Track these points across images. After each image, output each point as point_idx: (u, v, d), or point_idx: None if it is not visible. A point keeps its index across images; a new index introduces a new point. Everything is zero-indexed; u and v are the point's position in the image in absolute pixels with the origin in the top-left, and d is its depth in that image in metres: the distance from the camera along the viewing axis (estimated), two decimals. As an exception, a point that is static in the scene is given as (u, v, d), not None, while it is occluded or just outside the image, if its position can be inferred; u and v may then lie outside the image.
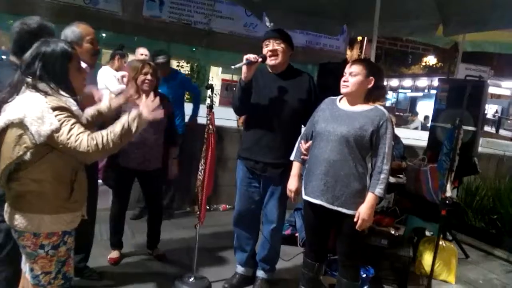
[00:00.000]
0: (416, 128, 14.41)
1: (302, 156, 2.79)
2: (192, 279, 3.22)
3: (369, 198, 2.49)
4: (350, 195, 2.50)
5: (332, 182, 2.51)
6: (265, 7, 4.94)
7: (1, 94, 1.87)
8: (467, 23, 4.34)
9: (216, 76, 17.65)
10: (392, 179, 4.34)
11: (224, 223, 4.31)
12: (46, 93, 1.82)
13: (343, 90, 2.59)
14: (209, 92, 3.12)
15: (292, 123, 2.99)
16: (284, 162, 2.94)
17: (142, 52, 5.14)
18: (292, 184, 2.83)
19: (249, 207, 3.16)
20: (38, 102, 1.78)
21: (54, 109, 1.78)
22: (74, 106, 1.89)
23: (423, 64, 31.53)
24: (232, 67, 2.90)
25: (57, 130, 1.76)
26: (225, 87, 15.70)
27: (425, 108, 21.32)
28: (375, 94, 2.58)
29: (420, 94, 27.75)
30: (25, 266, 2.00)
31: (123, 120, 1.93)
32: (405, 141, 5.56)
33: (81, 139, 1.79)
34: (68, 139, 1.77)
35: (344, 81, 2.58)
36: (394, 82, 28.92)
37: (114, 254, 3.48)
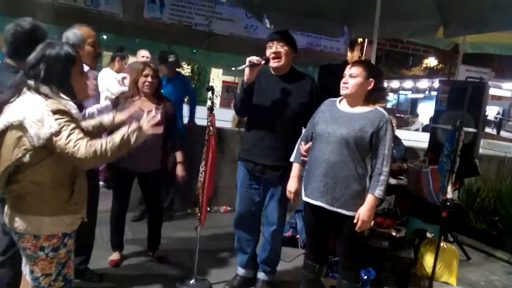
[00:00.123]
0: (417, 130, 14.40)
1: (301, 158, 2.79)
2: (193, 281, 3.21)
3: (369, 199, 2.49)
4: (349, 197, 2.50)
5: (332, 184, 2.51)
6: (266, 9, 4.94)
7: (2, 96, 1.87)
8: (468, 25, 4.33)
9: (216, 78, 17.66)
10: (393, 181, 4.34)
11: (224, 225, 4.30)
12: (46, 96, 1.82)
13: (343, 91, 2.59)
14: (209, 94, 3.12)
15: (292, 125, 2.99)
16: (283, 164, 2.93)
17: (143, 55, 5.16)
18: (291, 185, 2.82)
19: (250, 208, 3.16)
20: (38, 105, 1.78)
21: (54, 112, 1.78)
22: (74, 109, 1.88)
23: (424, 65, 31.53)
24: (235, 68, 2.90)
25: (57, 133, 1.76)
26: (225, 89, 15.70)
27: (426, 110, 21.32)
28: (375, 95, 2.58)
29: (421, 95, 27.77)
30: (25, 268, 2.00)
31: (123, 131, 1.93)
32: (406, 143, 5.55)
33: (79, 145, 1.78)
34: (67, 144, 1.77)
35: (344, 83, 2.58)
36: (395, 84, 28.93)
37: (115, 256, 3.48)
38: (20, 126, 1.78)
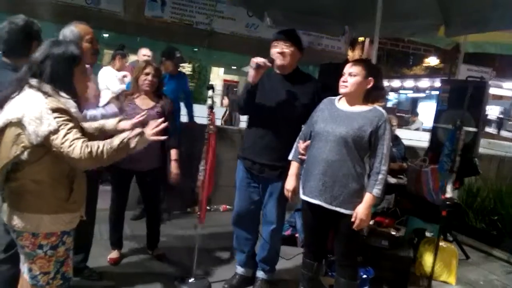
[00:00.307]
0: (417, 129, 14.37)
1: (299, 156, 2.79)
2: (192, 279, 3.22)
3: (367, 198, 2.50)
4: (348, 195, 2.51)
5: (330, 182, 2.52)
6: (267, 8, 4.94)
7: (4, 92, 1.87)
8: (469, 24, 4.32)
9: (217, 76, 17.67)
10: (393, 180, 4.35)
11: (224, 224, 4.30)
12: (46, 94, 1.81)
13: (342, 90, 2.59)
14: (210, 92, 3.12)
15: (293, 125, 2.97)
16: (281, 164, 2.92)
17: (144, 53, 5.15)
18: (289, 183, 2.83)
19: (248, 207, 3.15)
20: (38, 103, 1.78)
21: (54, 110, 1.77)
22: (73, 108, 1.88)
23: (425, 65, 31.48)
24: (243, 69, 2.88)
25: (55, 132, 1.76)
26: (226, 87, 15.71)
27: (427, 109, 21.28)
28: (374, 94, 2.58)
29: (422, 95, 27.73)
30: (23, 266, 2.00)
31: (124, 135, 1.93)
32: (406, 142, 5.56)
33: (75, 145, 1.77)
34: (62, 143, 1.76)
35: (343, 81, 2.58)
36: (395, 83, 28.88)
37: (114, 254, 3.48)
38: (19, 124, 1.78)
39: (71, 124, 1.81)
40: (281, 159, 2.92)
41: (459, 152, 3.55)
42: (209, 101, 3.14)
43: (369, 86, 2.56)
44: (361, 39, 22.93)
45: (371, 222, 3.73)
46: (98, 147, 1.82)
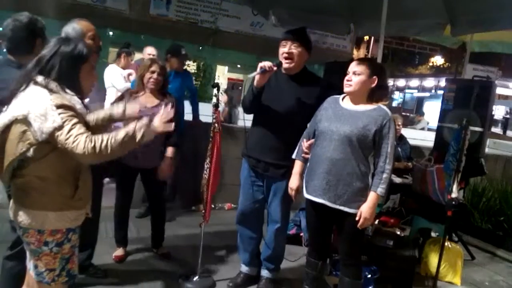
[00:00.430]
0: (422, 129, 14.34)
1: (303, 155, 2.78)
2: (197, 277, 3.22)
3: (371, 197, 2.49)
4: (352, 194, 2.50)
5: (334, 181, 2.51)
6: (272, 6, 4.93)
7: (11, 87, 1.87)
8: (475, 23, 4.31)
9: (222, 75, 17.67)
10: (398, 180, 4.33)
11: (228, 222, 4.29)
12: (51, 90, 1.82)
13: (346, 89, 2.59)
14: (215, 90, 3.12)
15: (298, 126, 2.94)
16: (286, 163, 2.91)
17: (149, 52, 5.15)
18: (293, 182, 2.83)
19: (253, 206, 3.15)
20: (43, 99, 1.78)
21: (58, 107, 1.77)
22: (78, 105, 1.88)
23: (430, 64, 31.39)
24: (249, 76, 2.87)
25: (59, 128, 1.75)
26: (231, 86, 15.71)
27: (432, 109, 21.21)
28: (378, 93, 2.58)
29: (427, 94, 27.63)
30: (29, 263, 2.00)
31: (130, 127, 1.91)
32: (411, 142, 5.54)
33: (78, 140, 1.77)
34: (67, 139, 1.76)
35: (348, 80, 2.57)
36: (401, 82, 28.81)
37: (119, 251, 3.49)
38: (25, 120, 1.78)
39: (75, 120, 1.81)
40: (285, 158, 2.91)
41: (464, 152, 3.53)
42: (214, 100, 3.14)
43: (373, 85, 2.55)
44: (366, 38, 22.91)
45: (376, 222, 3.73)
46: (102, 141, 1.81)
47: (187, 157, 4.69)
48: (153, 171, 3.37)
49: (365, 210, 2.48)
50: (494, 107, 5.76)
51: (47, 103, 1.77)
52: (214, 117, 3.09)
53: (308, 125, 2.86)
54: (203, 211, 3.23)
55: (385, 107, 2.57)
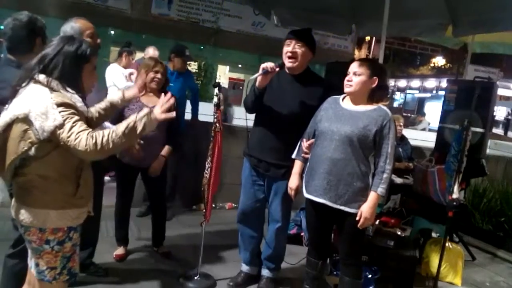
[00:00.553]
0: (423, 129, 14.32)
1: (303, 155, 2.78)
2: (197, 276, 3.22)
3: (372, 197, 2.50)
4: (353, 194, 2.51)
5: (335, 181, 2.52)
6: (273, 6, 4.93)
7: (14, 83, 1.87)
8: (477, 24, 4.30)
9: (223, 74, 17.67)
10: (399, 180, 4.33)
11: (229, 221, 4.31)
12: (52, 89, 1.82)
13: (346, 89, 2.59)
14: (216, 90, 3.12)
15: (299, 126, 2.91)
16: (287, 163, 2.91)
17: (152, 53, 5.15)
18: (292, 182, 2.83)
19: (254, 205, 3.15)
20: (43, 98, 1.78)
21: (59, 105, 1.77)
22: (79, 103, 1.88)
23: (432, 65, 31.37)
24: (251, 78, 2.87)
25: (60, 126, 1.76)
26: (232, 85, 15.70)
27: (433, 109, 21.20)
28: (378, 94, 2.58)
29: (428, 95, 27.62)
30: (30, 261, 2.01)
31: (130, 119, 1.90)
32: (412, 142, 5.53)
33: (80, 137, 1.76)
34: (68, 137, 1.76)
35: (348, 81, 2.57)
36: (402, 83, 28.82)
37: (120, 250, 3.49)
38: (26, 119, 1.78)
39: (76, 118, 1.81)
40: (286, 158, 2.91)
41: (466, 153, 3.53)
42: (215, 99, 3.14)
43: (373, 86, 2.55)
44: (367, 38, 22.90)
45: (377, 222, 3.73)
46: (103, 137, 1.80)
47: (187, 157, 4.70)
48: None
49: (365, 210, 2.48)
50: (495, 108, 5.76)
51: (47, 101, 1.77)
52: (215, 116, 3.10)
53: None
54: (204, 210, 3.23)
55: (385, 108, 2.57)
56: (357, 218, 2.49)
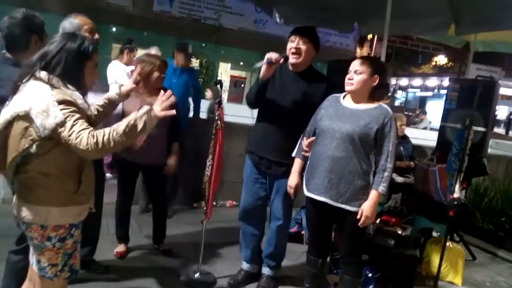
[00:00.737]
0: (425, 128, 14.30)
1: (303, 153, 2.78)
2: (198, 274, 3.22)
3: (373, 195, 2.50)
4: (353, 192, 2.50)
5: (336, 179, 2.51)
6: (275, 3, 4.92)
7: (15, 79, 1.87)
8: (480, 22, 4.28)
9: (225, 72, 17.66)
10: (400, 179, 4.33)
11: (230, 219, 4.31)
12: (52, 86, 1.82)
13: (347, 87, 2.58)
14: (218, 88, 3.11)
15: (301, 124, 2.90)
16: (288, 161, 2.91)
17: (154, 53, 5.14)
18: (292, 180, 2.83)
19: (255, 203, 3.15)
20: (44, 95, 1.78)
21: (60, 102, 1.77)
22: (80, 100, 1.88)
23: (433, 63, 31.33)
24: (255, 66, 2.86)
25: (61, 124, 1.75)
26: (233, 83, 15.70)
27: (435, 108, 21.17)
28: (379, 92, 2.58)
29: (430, 93, 27.59)
30: (32, 258, 2.01)
31: (130, 117, 1.90)
32: (413, 141, 5.53)
33: (81, 136, 1.76)
34: (69, 135, 1.76)
35: (349, 79, 2.57)
36: (403, 81, 28.80)
37: (121, 248, 3.50)
38: (27, 117, 1.78)
39: (77, 116, 1.80)
40: (287, 156, 2.91)
41: (467, 152, 3.52)
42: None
43: (374, 84, 2.55)
44: (369, 36, 22.86)
45: (378, 221, 3.73)
46: (104, 136, 1.80)
47: (188, 154, 4.70)
48: (155, 168, 3.38)
49: (366, 208, 2.48)
50: (497, 107, 5.75)
51: (48, 99, 1.77)
52: (216, 114, 3.09)
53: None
54: (204, 208, 3.23)
55: (386, 106, 2.57)
56: (358, 217, 2.49)
